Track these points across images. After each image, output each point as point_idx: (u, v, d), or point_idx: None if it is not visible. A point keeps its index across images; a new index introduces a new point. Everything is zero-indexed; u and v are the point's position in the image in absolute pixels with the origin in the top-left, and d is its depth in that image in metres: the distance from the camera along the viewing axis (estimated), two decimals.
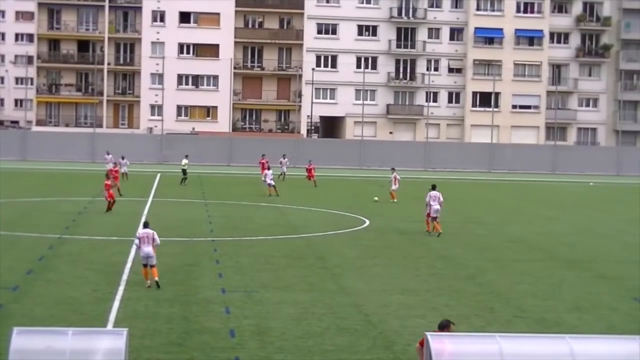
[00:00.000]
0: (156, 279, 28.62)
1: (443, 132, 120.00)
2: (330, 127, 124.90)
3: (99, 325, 22.92)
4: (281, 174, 74.94)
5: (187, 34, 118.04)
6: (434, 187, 44.46)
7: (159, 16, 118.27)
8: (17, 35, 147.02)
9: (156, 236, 29.00)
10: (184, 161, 70.69)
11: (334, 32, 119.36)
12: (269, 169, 64.40)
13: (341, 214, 52.29)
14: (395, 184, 60.72)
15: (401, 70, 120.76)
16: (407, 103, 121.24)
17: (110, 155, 78.03)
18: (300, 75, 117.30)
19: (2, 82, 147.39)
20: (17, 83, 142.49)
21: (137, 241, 29.07)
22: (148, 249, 28.59)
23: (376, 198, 59.63)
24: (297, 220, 48.96)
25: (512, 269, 34.92)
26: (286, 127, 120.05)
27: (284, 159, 78.55)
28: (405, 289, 30.10)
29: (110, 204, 48.97)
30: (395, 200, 59.35)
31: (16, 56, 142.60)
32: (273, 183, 62.12)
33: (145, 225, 29.62)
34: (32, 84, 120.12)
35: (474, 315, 26.45)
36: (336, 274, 32.50)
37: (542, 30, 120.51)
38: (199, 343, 22.44)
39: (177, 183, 68.92)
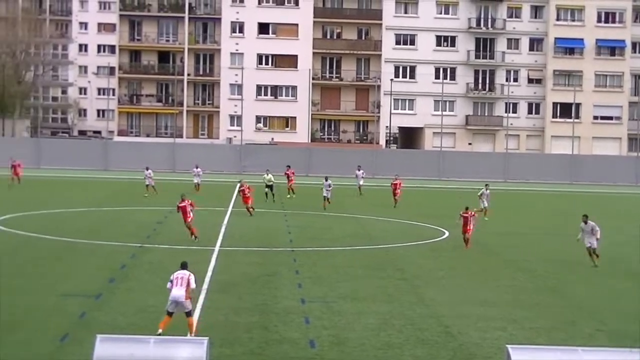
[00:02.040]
0: (191, 336, 23.06)
1: (523, 143, 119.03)
2: (408, 137, 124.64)
3: (179, 334, 23.06)
4: (359, 187, 72.08)
5: (266, 45, 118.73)
6: (586, 219, 38.31)
7: (238, 27, 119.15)
8: (99, 46, 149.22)
9: (192, 279, 23.92)
10: (268, 176, 64.85)
11: (412, 42, 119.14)
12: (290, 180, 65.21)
13: (420, 225, 52.09)
14: (486, 201, 57.22)
15: (480, 80, 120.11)
16: (486, 114, 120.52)
17: (149, 171, 69.21)
18: (379, 86, 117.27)
19: (85, 93, 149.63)
20: (99, 94, 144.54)
21: (169, 284, 23.89)
22: (179, 292, 23.51)
23: (486, 218, 54.92)
24: (375, 231, 48.89)
25: (594, 282, 34.48)
26: (365, 137, 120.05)
27: (359, 170, 74.25)
28: (485, 300, 29.87)
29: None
30: (486, 218, 54.75)
31: (98, 67, 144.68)
32: (328, 195, 60.95)
33: (183, 266, 24.48)
34: (113, 94, 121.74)
35: (555, 328, 26.14)
36: (415, 285, 32.37)
37: (624, 40, 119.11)
38: (279, 353, 22.48)
39: (257, 193, 68.90)
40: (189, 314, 23.61)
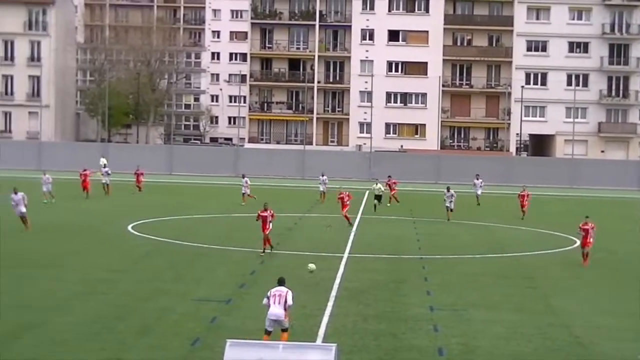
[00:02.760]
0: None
1: None
2: (539, 145, 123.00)
3: (308, 340, 23.21)
4: (476, 196, 68.41)
5: (395, 52, 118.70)
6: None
7: (368, 35, 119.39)
8: (231, 54, 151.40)
9: (290, 296, 23.02)
10: (377, 186, 63.05)
11: (544, 49, 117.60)
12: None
13: (550, 234, 51.37)
14: None
15: (613, 87, 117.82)
16: (619, 121, 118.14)
17: (245, 179, 66.48)
18: (510, 93, 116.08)
19: (217, 101, 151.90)
20: (230, 101, 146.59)
21: (266, 300, 23.11)
22: (278, 310, 22.74)
23: None
24: (504, 239, 48.42)
25: None
26: (495, 145, 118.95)
27: (478, 179, 70.10)
28: (617, 311, 29.32)
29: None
30: None
31: (230, 75, 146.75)
32: (450, 206, 57.27)
33: (281, 282, 23.60)
34: (244, 102, 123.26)
35: None
36: (545, 294, 31.95)
37: None
38: None
39: (385, 201, 68.89)
40: (285, 330, 22.87)
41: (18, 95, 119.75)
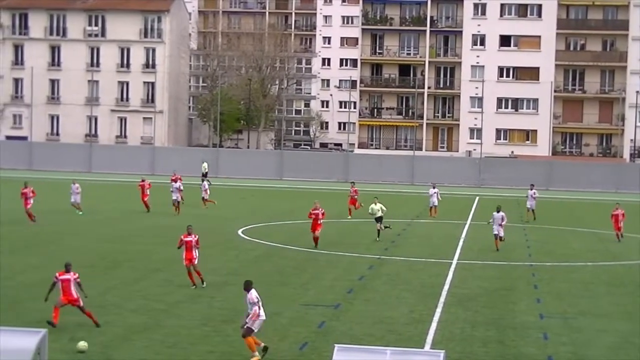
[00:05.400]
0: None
1: None
2: None
3: (415, 346, 23.19)
4: (529, 210, 60.81)
5: (507, 57, 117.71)
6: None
7: (479, 40, 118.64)
8: (341, 60, 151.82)
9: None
10: (377, 206, 48.08)
11: None
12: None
13: None
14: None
15: None
16: None
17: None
18: (624, 99, 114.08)
19: (327, 106, 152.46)
20: (340, 107, 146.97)
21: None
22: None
23: None
24: (615, 247, 47.59)
25: None
26: (608, 151, 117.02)
27: (532, 189, 61.16)
28: None
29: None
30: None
31: (340, 81, 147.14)
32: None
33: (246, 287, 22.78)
34: (354, 107, 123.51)
35: None
36: None
37: None
38: None
39: (495, 207, 68.08)
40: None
41: (133, 101, 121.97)
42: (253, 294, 22.44)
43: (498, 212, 44.44)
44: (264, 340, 22.67)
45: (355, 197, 60.80)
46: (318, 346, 23.31)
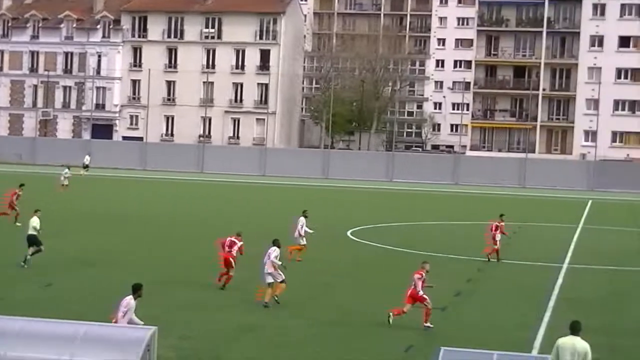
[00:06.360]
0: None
1: None
2: None
3: (523, 351, 22.96)
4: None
5: (625, 59, 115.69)
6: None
7: (597, 41, 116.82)
8: (455, 62, 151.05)
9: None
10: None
11: None
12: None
13: None
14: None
15: None
16: None
17: None
18: None
19: (440, 108, 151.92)
20: (453, 108, 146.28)
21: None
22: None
23: None
24: None
25: None
26: None
27: None
28: None
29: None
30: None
31: (454, 82, 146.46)
32: None
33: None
34: (467, 109, 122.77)
35: None
36: None
37: None
38: None
39: (609, 210, 67.16)
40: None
41: (247, 102, 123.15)
42: (129, 300, 19.77)
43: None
44: (370, 341, 22.59)
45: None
46: (424, 349, 23.22)
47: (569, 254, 43.00)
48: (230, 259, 30.43)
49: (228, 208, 61.25)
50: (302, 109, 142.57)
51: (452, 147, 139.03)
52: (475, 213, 64.37)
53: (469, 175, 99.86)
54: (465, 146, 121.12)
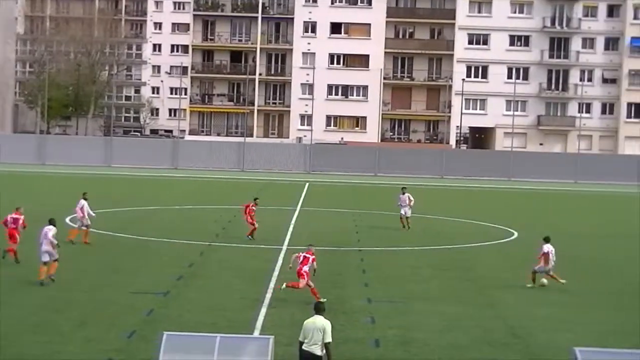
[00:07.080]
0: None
1: (595, 143, 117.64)
2: (479, 138, 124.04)
3: (245, 332, 23.17)
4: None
5: (337, 45, 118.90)
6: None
7: (310, 27, 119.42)
8: (172, 46, 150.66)
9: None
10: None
11: (485, 42, 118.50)
12: None
13: (489, 226, 51.76)
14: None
15: (553, 80, 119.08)
16: (558, 114, 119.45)
17: None
18: (450, 86, 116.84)
19: (158, 93, 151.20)
20: (171, 93, 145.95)
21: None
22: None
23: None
24: (443, 231, 48.67)
25: None
26: (435, 137, 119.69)
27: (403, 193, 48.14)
28: (554, 302, 29.57)
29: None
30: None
31: (171, 67, 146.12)
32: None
33: None
34: (185, 94, 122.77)
35: (628, 332, 25.63)
36: (482, 286, 32.15)
37: None
38: (343, 352, 22.42)
39: (325, 193, 68.89)
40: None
41: None
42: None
43: (403, 193, 47.41)
44: (95, 328, 22.19)
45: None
46: (146, 334, 23.00)
47: (288, 236, 43.74)
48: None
49: None
50: (15, 93, 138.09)
51: (171, 131, 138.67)
52: (194, 197, 64.47)
53: (188, 159, 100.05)
54: (184, 131, 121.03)
